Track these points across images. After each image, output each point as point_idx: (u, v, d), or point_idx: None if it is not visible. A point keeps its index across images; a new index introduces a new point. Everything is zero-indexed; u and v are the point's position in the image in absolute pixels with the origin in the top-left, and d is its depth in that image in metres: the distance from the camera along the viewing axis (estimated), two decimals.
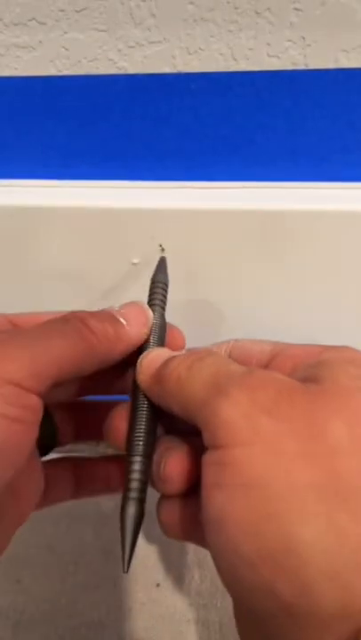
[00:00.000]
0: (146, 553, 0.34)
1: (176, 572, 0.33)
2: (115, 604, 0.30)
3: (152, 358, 0.22)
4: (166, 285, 0.26)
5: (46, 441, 0.25)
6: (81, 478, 0.26)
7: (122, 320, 0.22)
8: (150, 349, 0.23)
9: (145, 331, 0.23)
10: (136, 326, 0.23)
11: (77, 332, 0.21)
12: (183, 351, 0.23)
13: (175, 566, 0.34)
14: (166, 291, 0.26)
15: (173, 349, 0.24)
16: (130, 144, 0.27)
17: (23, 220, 0.28)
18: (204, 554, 0.32)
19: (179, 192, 0.28)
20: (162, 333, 0.24)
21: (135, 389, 0.23)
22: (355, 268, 0.29)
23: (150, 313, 0.24)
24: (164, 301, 0.25)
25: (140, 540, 0.31)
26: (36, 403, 0.19)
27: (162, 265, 0.27)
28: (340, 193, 0.27)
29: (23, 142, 0.28)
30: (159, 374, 0.20)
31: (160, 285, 0.26)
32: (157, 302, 0.25)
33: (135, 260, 0.30)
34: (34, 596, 0.30)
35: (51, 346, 0.20)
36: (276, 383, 0.17)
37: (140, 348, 0.23)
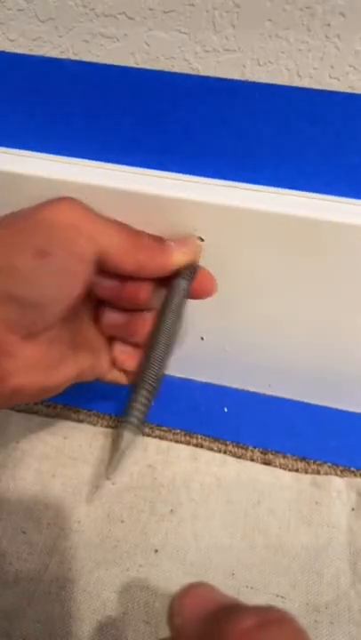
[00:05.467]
0: None
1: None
2: None
3: (200, 599, 0.17)
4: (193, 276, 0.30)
5: None
6: None
7: (171, 242, 0.29)
8: (198, 584, 0.18)
9: (185, 252, 0.29)
10: (179, 248, 0.29)
11: (131, 231, 0.27)
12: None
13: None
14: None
15: (204, 293, 0.30)
16: (189, 140, 0.29)
17: None
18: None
19: (224, 190, 0.30)
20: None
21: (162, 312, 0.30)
22: None
23: (197, 242, 0.30)
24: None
25: None
26: (88, 255, 0.25)
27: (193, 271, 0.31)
28: None
29: (90, 126, 0.29)
30: None
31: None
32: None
33: None
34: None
35: (111, 231, 0.26)
36: None
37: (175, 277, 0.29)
